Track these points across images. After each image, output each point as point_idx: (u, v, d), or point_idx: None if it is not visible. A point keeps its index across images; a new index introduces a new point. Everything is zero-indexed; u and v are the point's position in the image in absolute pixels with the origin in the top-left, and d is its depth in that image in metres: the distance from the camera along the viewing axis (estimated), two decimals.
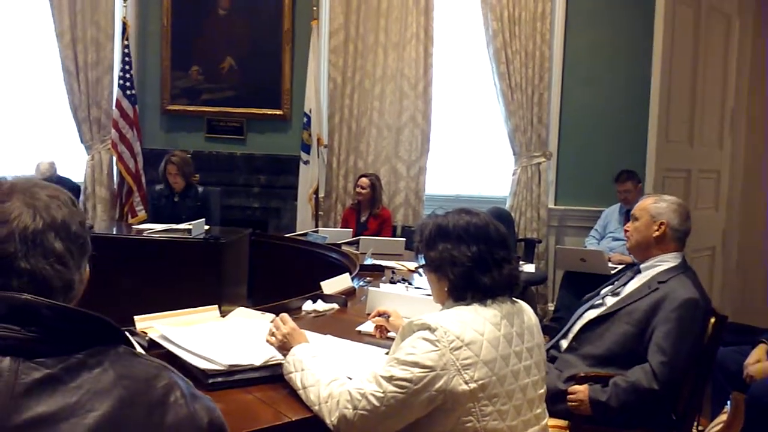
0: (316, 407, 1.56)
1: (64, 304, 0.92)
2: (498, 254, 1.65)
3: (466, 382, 1.48)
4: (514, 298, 1.70)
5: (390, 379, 1.49)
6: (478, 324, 1.56)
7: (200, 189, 5.08)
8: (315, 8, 5.66)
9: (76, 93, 5.79)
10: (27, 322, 0.87)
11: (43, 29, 5.87)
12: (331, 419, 1.52)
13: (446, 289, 1.67)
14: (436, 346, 1.49)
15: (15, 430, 0.83)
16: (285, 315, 1.86)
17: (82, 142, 5.87)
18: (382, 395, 1.48)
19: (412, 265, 3.56)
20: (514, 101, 5.56)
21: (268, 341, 1.80)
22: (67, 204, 0.99)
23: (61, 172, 5.55)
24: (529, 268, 4.76)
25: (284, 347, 1.76)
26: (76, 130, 5.85)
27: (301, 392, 1.62)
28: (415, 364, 1.48)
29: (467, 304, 1.62)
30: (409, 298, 2.59)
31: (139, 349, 1.02)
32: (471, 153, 6.02)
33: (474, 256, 1.62)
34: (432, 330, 1.51)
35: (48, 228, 0.94)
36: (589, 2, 5.63)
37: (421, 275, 3.10)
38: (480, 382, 1.50)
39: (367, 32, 5.73)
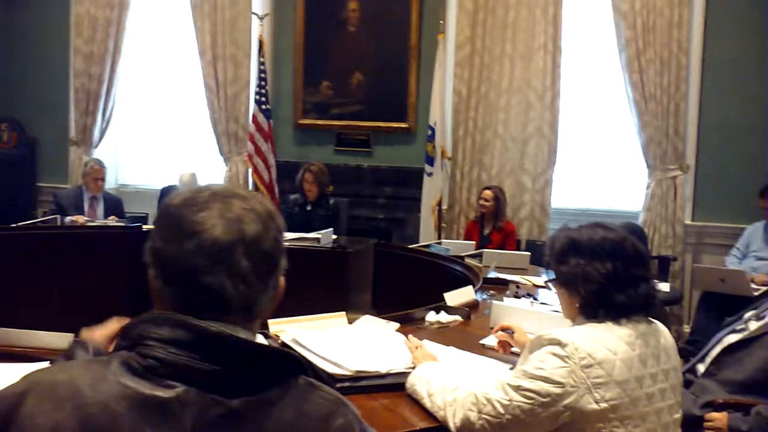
0: (441, 412, 1.57)
1: (250, 340, 0.88)
2: (634, 272, 1.58)
3: (597, 402, 1.44)
4: (650, 318, 1.62)
5: (517, 388, 1.48)
6: (611, 342, 1.51)
7: (332, 200, 5.24)
8: (441, 22, 5.71)
9: (215, 108, 6.17)
10: (213, 353, 0.84)
11: (188, 48, 6.32)
12: (454, 421, 1.53)
13: (577, 305, 1.62)
14: (566, 362, 1.46)
15: None
16: (411, 336, 1.90)
17: (221, 154, 6.24)
18: (507, 403, 1.47)
19: (537, 280, 3.50)
20: (648, 111, 5.33)
21: None
22: (262, 218, 0.92)
23: (203, 182, 5.92)
24: (663, 286, 4.53)
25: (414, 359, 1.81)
26: (216, 143, 6.23)
27: (425, 401, 1.64)
28: (543, 379, 1.46)
29: (599, 322, 1.57)
30: (535, 313, 2.55)
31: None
32: (600, 165, 5.82)
33: (608, 274, 1.56)
34: (562, 345, 1.48)
35: (237, 243, 0.88)
36: (731, 7, 5.30)
37: (550, 289, 3.05)
38: (611, 402, 1.45)
39: (494, 44, 5.70)
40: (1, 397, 0.84)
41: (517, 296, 3.08)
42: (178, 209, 0.91)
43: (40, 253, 4.35)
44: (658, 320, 1.67)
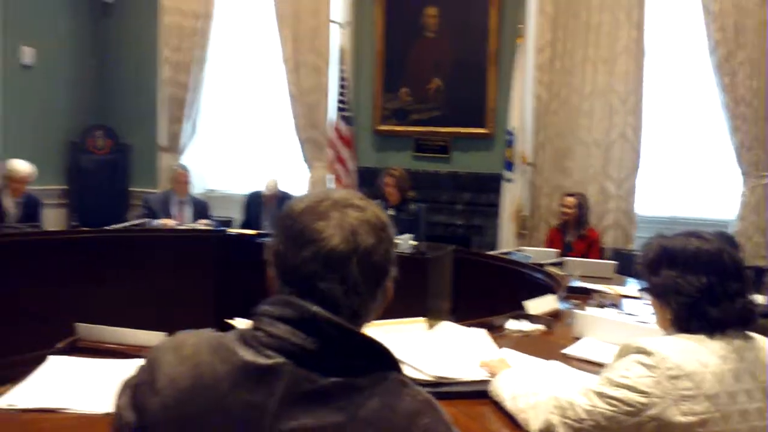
0: (523, 414, 1.57)
1: (347, 324, 0.92)
2: (730, 286, 1.50)
3: (684, 414, 1.38)
4: (747, 332, 1.54)
5: (601, 395, 1.45)
6: (702, 355, 1.44)
7: (413, 206, 5.25)
8: (521, 26, 5.64)
9: (298, 115, 6.31)
10: (311, 332, 0.90)
11: (271, 56, 6.50)
12: (536, 424, 1.52)
13: (669, 317, 1.56)
14: (653, 372, 1.41)
15: None
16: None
17: (304, 160, 6.38)
18: (590, 408, 1.44)
19: (623, 290, 3.40)
20: (739, 116, 5.08)
21: None
22: (376, 230, 0.97)
23: (286, 188, 6.05)
24: (758, 298, 4.30)
25: (492, 373, 1.81)
26: (300, 149, 6.36)
27: (508, 402, 1.64)
28: (628, 387, 1.42)
29: (692, 334, 1.51)
30: (621, 323, 2.47)
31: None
32: (689, 171, 5.59)
33: (702, 288, 1.49)
34: (649, 354, 1.43)
35: (351, 254, 0.93)
36: None
37: (639, 299, 2.96)
38: (700, 416, 1.39)
39: (575, 47, 5.59)
40: (156, 346, 0.99)
41: (601, 306, 3.00)
42: (299, 216, 0.97)
43: (131, 255, 4.56)
44: (758, 334, 1.59)
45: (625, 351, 1.51)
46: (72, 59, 6.83)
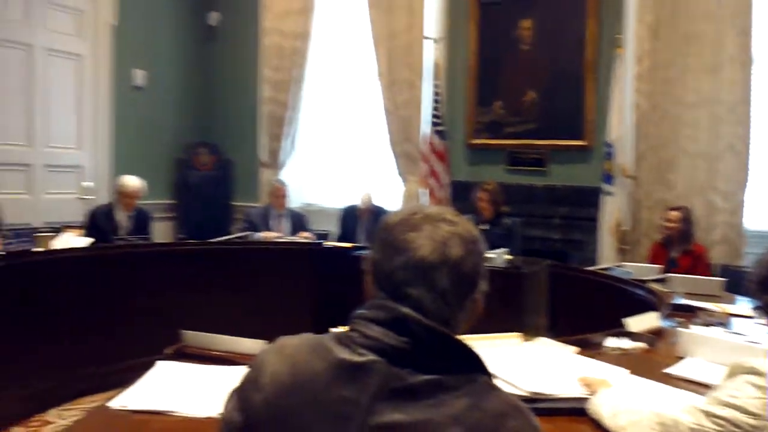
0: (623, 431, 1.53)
1: (436, 325, 0.96)
2: None
3: None
4: None
5: (708, 414, 1.40)
6: None
7: (507, 220, 5.19)
8: (619, 36, 5.49)
9: (392, 130, 6.39)
10: (402, 332, 0.94)
11: (366, 73, 6.64)
12: None
13: None
14: (764, 393, 1.35)
15: (370, 429, 0.91)
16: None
17: (398, 174, 6.45)
18: (696, 427, 1.40)
19: (732, 308, 3.22)
20: None
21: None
22: (466, 242, 1.01)
23: (381, 202, 6.14)
24: None
25: (592, 391, 1.78)
26: (395, 164, 6.44)
27: (607, 420, 1.60)
28: (737, 408, 1.37)
29: None
30: (729, 343, 2.34)
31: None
32: None
33: None
34: (761, 375, 1.37)
35: (440, 264, 0.98)
36: None
37: (751, 318, 2.81)
38: None
39: (676, 57, 5.37)
40: (264, 349, 1.07)
41: (707, 324, 2.86)
42: (393, 227, 1.03)
43: (234, 266, 4.75)
44: None
45: (735, 371, 1.45)
46: (179, 80, 7.23)
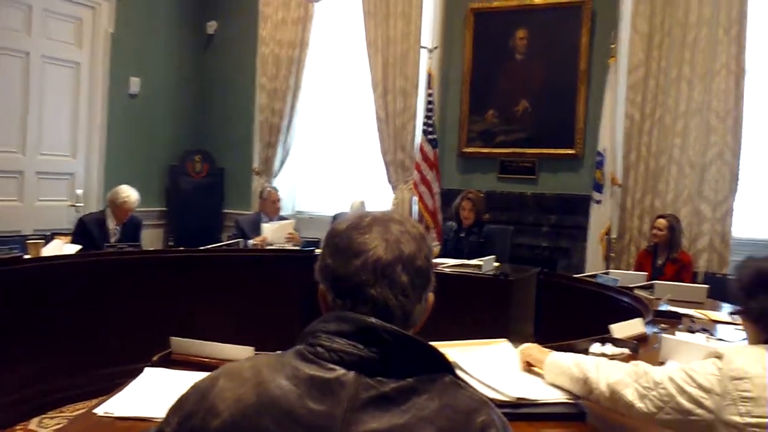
0: (593, 373, 1.67)
1: (403, 331, 0.98)
2: None
3: (740, 415, 1.41)
4: None
5: (671, 379, 1.53)
6: None
7: (485, 227, 5.25)
8: (613, 46, 5.54)
9: (385, 138, 6.42)
10: (370, 342, 0.96)
11: (361, 82, 6.67)
12: (607, 381, 1.62)
13: (765, 339, 1.56)
14: (718, 372, 1.46)
15: None
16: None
17: (389, 182, 6.47)
18: (659, 381, 1.53)
19: (716, 315, 3.26)
20: None
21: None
22: (416, 239, 1.06)
23: (372, 209, 6.15)
24: None
25: (536, 362, 1.92)
26: (385, 172, 6.47)
27: (572, 368, 1.75)
28: (693, 380, 1.49)
29: None
30: (707, 348, 2.37)
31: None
32: None
33: None
34: (719, 357, 1.49)
35: (396, 261, 1.02)
36: None
37: (733, 323, 2.85)
38: (756, 419, 1.40)
39: (670, 66, 5.43)
40: (202, 380, 1.04)
41: (691, 331, 2.89)
42: (345, 232, 1.06)
43: (223, 273, 4.75)
44: None
45: (704, 354, 1.58)
46: (174, 88, 7.24)
